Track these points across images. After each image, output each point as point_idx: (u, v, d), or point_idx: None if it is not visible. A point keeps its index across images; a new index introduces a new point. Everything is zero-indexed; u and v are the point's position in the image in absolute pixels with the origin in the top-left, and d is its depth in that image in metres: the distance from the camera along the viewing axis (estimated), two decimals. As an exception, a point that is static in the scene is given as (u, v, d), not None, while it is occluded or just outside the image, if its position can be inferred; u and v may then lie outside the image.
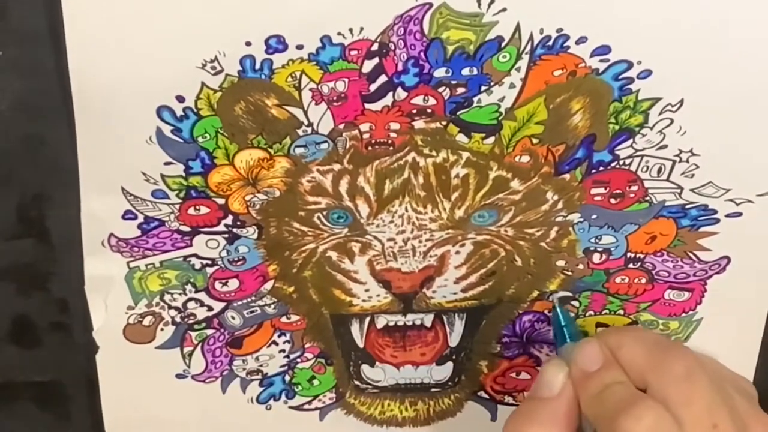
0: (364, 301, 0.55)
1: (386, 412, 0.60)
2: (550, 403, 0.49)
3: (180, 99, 0.47)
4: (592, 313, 0.56)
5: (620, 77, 0.48)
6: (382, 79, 0.47)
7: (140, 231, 0.52)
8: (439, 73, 0.47)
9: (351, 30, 0.45)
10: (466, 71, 0.47)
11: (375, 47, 0.46)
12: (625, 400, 0.46)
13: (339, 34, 0.45)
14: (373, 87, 0.47)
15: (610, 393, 0.47)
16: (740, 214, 0.52)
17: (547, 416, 0.49)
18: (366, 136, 0.49)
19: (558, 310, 0.55)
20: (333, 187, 0.51)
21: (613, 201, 0.52)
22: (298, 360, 0.58)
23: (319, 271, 0.54)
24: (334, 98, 0.48)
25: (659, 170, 0.51)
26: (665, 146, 0.50)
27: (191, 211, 0.52)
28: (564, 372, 0.49)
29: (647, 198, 0.52)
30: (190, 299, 0.55)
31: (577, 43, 0.46)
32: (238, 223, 0.52)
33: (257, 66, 0.46)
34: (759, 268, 0.55)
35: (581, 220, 0.53)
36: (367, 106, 0.48)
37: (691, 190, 0.51)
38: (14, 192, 0.51)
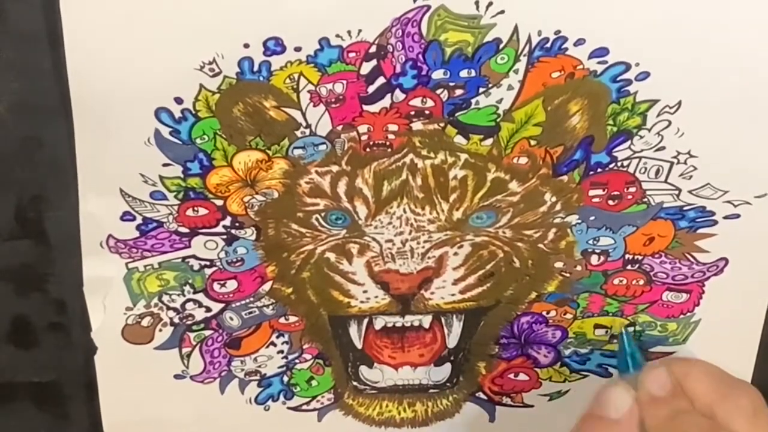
0: (362, 302, 0.55)
1: (384, 413, 0.60)
2: (616, 425, 0.49)
3: (178, 101, 0.47)
4: (591, 314, 0.56)
5: (618, 79, 0.48)
6: (381, 80, 0.47)
7: (139, 232, 0.52)
8: (438, 74, 0.47)
9: (349, 32, 0.45)
10: (464, 73, 0.47)
11: (373, 49, 0.46)
12: (702, 430, 0.47)
13: (337, 36, 0.45)
14: (371, 89, 0.47)
15: (683, 421, 0.48)
16: (738, 215, 0.52)
17: None
18: (364, 137, 0.49)
19: (625, 337, 0.55)
20: (331, 188, 0.51)
21: (611, 202, 0.52)
22: (297, 361, 0.58)
23: (318, 272, 0.54)
24: (333, 100, 0.48)
25: (657, 172, 0.51)
26: (663, 148, 0.50)
27: (190, 212, 0.52)
28: (632, 396, 0.49)
29: (645, 199, 0.52)
30: (188, 300, 0.55)
31: (575, 44, 0.46)
32: (237, 224, 0.52)
33: (255, 68, 0.46)
34: (757, 270, 0.55)
35: (579, 221, 0.53)
36: (365, 107, 0.48)
37: (689, 191, 0.52)
38: (12, 193, 0.51)
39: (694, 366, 0.50)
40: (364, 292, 0.54)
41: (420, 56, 0.46)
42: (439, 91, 0.48)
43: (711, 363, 0.51)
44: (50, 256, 0.53)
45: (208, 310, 0.55)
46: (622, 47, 0.46)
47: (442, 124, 0.49)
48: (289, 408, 0.60)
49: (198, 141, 0.49)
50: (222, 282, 0.54)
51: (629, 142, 0.50)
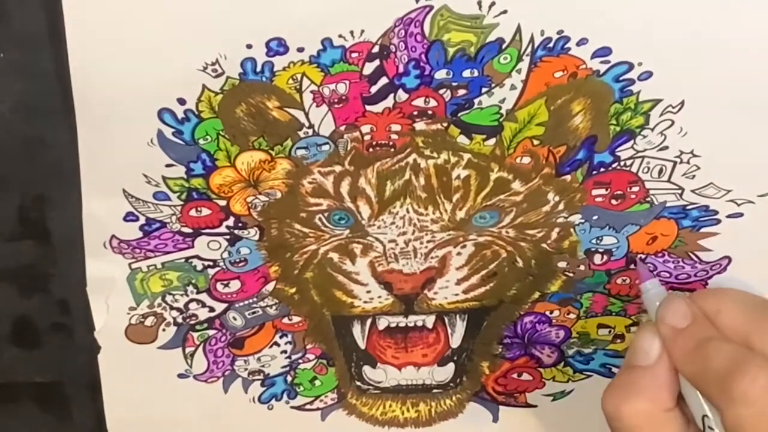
0: (365, 302, 0.55)
1: (388, 413, 0.60)
2: (649, 370, 0.47)
3: (181, 101, 0.47)
4: (594, 314, 0.56)
5: (621, 79, 0.47)
6: (383, 81, 0.47)
7: (142, 232, 0.52)
8: (440, 75, 0.47)
9: (352, 32, 0.45)
10: (466, 73, 0.47)
11: (376, 49, 0.46)
12: (733, 358, 0.44)
13: (340, 36, 0.45)
14: (374, 89, 0.47)
15: (711, 350, 0.45)
16: (741, 214, 0.52)
17: (648, 384, 0.47)
18: (367, 137, 0.49)
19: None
20: (334, 188, 0.51)
21: (614, 202, 0.52)
22: (300, 361, 0.58)
23: (321, 272, 0.54)
24: (335, 100, 0.48)
25: (660, 171, 0.51)
26: (666, 147, 0.50)
27: (193, 212, 0.52)
28: (657, 336, 0.47)
29: (648, 199, 0.52)
30: (191, 300, 0.55)
31: (578, 44, 0.46)
32: (240, 224, 0.52)
33: (258, 68, 0.46)
34: (760, 269, 0.55)
35: (582, 221, 0.53)
36: (368, 107, 0.48)
37: (692, 191, 0.51)
38: (15, 193, 0.51)
39: (723, 300, 0.47)
40: (368, 292, 0.55)
41: (423, 56, 0.46)
42: (441, 91, 0.48)
43: (743, 291, 0.49)
44: (53, 257, 0.53)
45: (212, 310, 0.56)
46: (624, 47, 0.46)
47: (445, 124, 0.49)
48: (292, 407, 0.60)
49: (201, 141, 0.49)
50: (225, 282, 0.55)
51: (632, 142, 0.50)
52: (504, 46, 0.46)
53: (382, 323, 0.56)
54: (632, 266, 0.54)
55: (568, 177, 0.51)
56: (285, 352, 0.58)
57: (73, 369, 0.58)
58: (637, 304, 0.56)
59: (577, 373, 0.59)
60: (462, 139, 0.49)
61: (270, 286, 0.55)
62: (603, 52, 0.47)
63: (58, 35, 0.45)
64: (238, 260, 0.54)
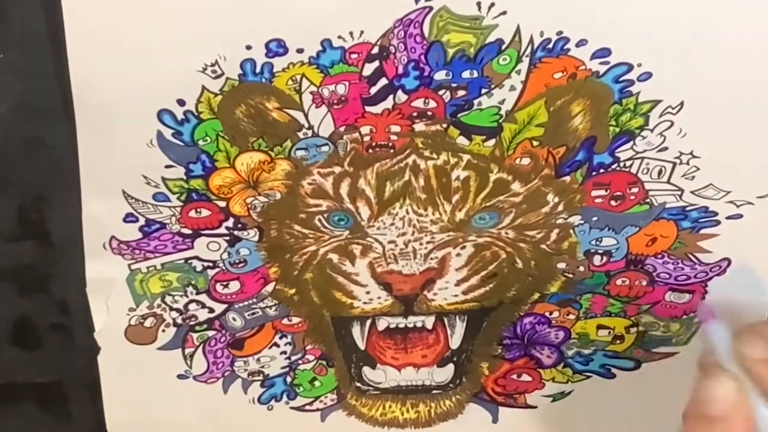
0: (365, 303, 0.55)
1: (387, 414, 0.60)
2: (726, 422, 0.44)
3: (181, 102, 0.47)
4: (593, 315, 0.56)
5: (620, 80, 0.47)
6: (383, 82, 0.47)
7: (141, 233, 0.52)
8: (440, 76, 0.47)
9: (351, 33, 0.45)
10: (466, 74, 0.47)
11: (375, 50, 0.46)
12: None
13: (339, 37, 0.45)
14: (373, 90, 0.47)
15: None
16: (741, 216, 0.52)
17: None
18: (367, 138, 0.49)
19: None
20: (334, 189, 0.51)
21: (613, 203, 0.52)
22: (300, 361, 0.58)
23: (320, 273, 0.54)
24: (335, 101, 0.48)
25: (660, 172, 0.51)
26: (665, 148, 0.50)
27: (192, 213, 0.52)
28: (734, 383, 0.45)
29: (648, 200, 0.52)
30: (191, 301, 0.55)
31: (578, 45, 0.46)
32: (239, 225, 0.52)
33: (258, 69, 0.46)
34: (759, 270, 0.55)
35: (582, 222, 0.53)
36: (367, 108, 0.48)
37: (692, 192, 0.51)
38: (15, 194, 0.51)
39: None
40: (367, 293, 0.55)
41: (422, 57, 0.46)
42: (441, 92, 0.48)
43: None
44: (53, 257, 0.53)
45: (211, 310, 0.56)
46: (624, 48, 0.46)
47: (444, 125, 0.49)
48: (292, 408, 0.60)
49: (200, 142, 0.49)
50: (225, 283, 0.55)
51: (632, 143, 0.50)
52: (503, 47, 0.46)
53: (382, 324, 0.56)
54: (633, 267, 0.54)
55: (568, 178, 0.51)
56: (285, 352, 0.58)
57: (73, 369, 0.58)
58: (636, 305, 0.56)
59: (576, 374, 0.59)
60: (461, 140, 0.49)
61: (270, 287, 0.55)
62: (602, 53, 0.47)
63: (58, 35, 0.45)
64: (237, 261, 0.54)
